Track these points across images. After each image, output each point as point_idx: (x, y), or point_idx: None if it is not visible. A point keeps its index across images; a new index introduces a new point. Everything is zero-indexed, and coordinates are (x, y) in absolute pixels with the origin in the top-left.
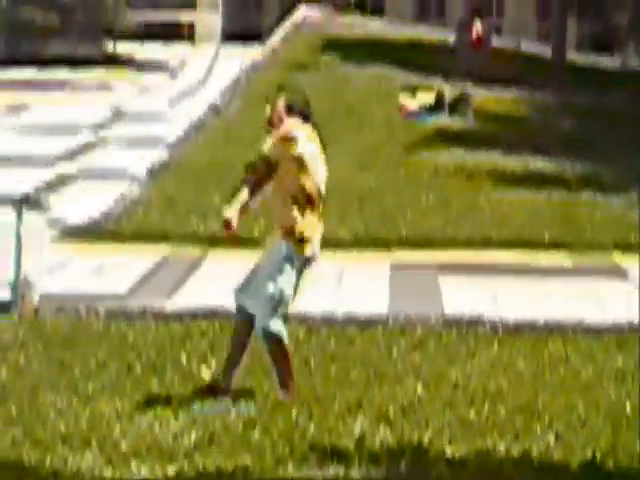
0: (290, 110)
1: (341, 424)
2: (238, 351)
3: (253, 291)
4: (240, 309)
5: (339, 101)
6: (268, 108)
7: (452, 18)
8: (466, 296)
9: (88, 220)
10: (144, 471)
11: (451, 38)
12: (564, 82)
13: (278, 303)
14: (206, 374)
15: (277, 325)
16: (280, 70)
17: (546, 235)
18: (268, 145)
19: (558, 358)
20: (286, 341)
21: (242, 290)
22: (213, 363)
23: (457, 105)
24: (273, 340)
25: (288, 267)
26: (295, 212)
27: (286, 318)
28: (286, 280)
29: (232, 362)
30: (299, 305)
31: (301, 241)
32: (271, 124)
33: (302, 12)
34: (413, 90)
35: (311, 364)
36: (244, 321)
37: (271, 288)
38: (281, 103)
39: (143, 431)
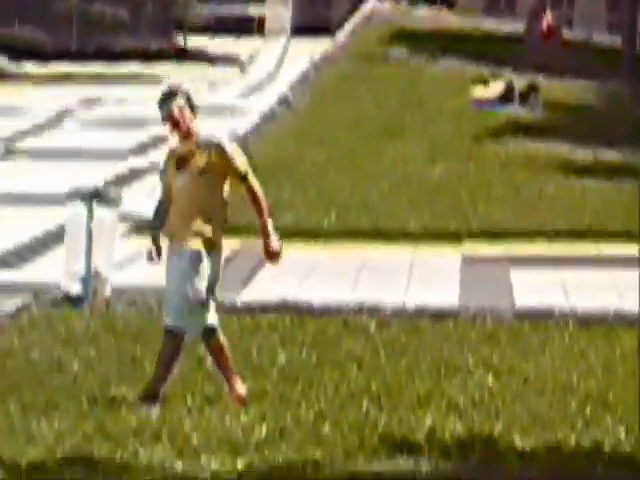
0: (192, 110)
1: (412, 416)
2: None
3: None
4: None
5: (409, 93)
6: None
7: (522, 9)
8: (537, 288)
9: None
10: (214, 464)
11: (521, 29)
12: (634, 72)
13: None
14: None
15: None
16: (349, 63)
17: (616, 225)
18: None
19: (629, 349)
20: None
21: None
22: (283, 357)
23: (527, 96)
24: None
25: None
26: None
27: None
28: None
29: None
30: (369, 297)
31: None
32: (177, 125)
33: (371, 4)
34: (484, 81)
35: (381, 356)
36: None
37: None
38: (182, 104)
39: (214, 424)
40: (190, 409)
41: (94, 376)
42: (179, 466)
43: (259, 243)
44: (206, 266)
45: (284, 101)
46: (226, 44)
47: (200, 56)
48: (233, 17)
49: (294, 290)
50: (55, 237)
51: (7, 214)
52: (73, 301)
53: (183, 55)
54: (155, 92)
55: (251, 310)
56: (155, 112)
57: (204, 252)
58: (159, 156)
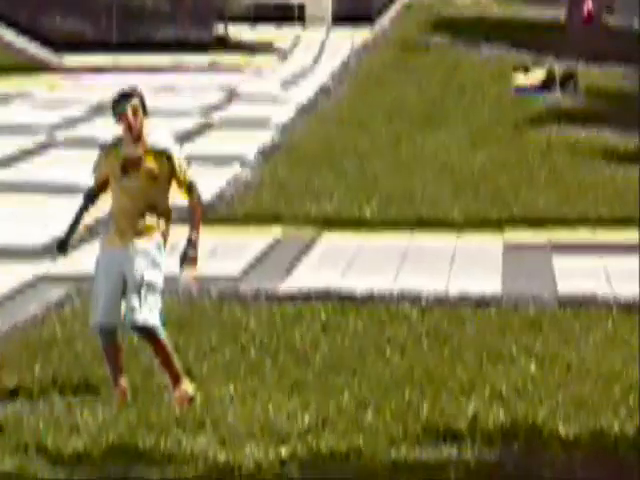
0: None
1: (454, 404)
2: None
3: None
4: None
5: (450, 81)
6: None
7: None
8: (580, 275)
9: None
10: (258, 453)
11: (562, 16)
12: None
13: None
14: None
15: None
16: (390, 51)
17: None
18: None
19: None
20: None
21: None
22: (325, 345)
23: (565, 83)
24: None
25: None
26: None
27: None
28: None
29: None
30: (412, 285)
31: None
32: (130, 127)
33: None
34: (525, 69)
35: (424, 344)
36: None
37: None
38: (136, 106)
39: (257, 413)
40: (233, 397)
41: (136, 365)
42: (222, 455)
43: (301, 232)
44: (164, 258)
45: (325, 89)
46: (267, 33)
47: (241, 45)
48: (273, 5)
49: (336, 278)
50: (96, 227)
51: (52, 204)
52: None
53: (224, 44)
54: (199, 81)
55: (293, 298)
56: (199, 100)
57: (162, 244)
58: (206, 144)
